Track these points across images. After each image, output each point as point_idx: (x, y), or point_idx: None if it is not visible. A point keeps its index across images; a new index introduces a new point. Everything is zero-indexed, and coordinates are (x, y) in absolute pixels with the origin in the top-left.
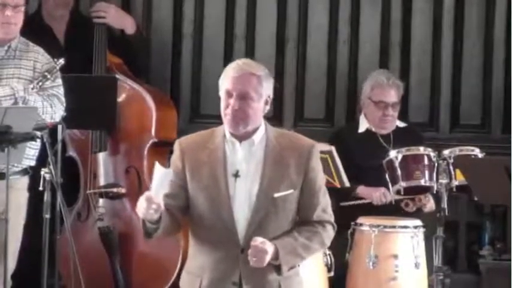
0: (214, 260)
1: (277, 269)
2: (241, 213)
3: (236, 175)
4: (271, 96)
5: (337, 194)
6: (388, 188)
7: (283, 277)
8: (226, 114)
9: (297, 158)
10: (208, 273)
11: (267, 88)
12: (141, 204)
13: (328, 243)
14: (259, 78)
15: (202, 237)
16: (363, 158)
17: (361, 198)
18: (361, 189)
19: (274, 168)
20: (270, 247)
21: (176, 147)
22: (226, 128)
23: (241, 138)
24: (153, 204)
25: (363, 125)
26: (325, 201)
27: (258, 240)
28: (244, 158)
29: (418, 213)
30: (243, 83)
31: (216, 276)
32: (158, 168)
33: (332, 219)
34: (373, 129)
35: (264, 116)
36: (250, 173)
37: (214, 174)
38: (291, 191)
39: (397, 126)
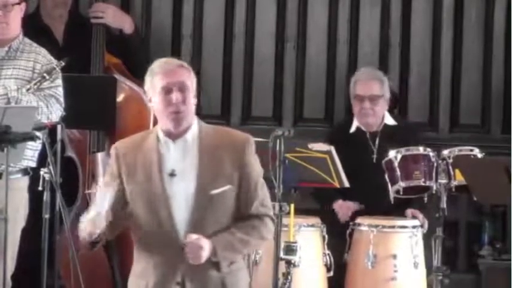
0: (156, 262)
1: (216, 265)
2: (180, 212)
3: (172, 174)
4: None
5: (320, 200)
6: (387, 188)
7: (227, 273)
8: (169, 112)
9: (231, 153)
10: (153, 275)
11: (194, 80)
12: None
13: (268, 236)
14: (188, 69)
15: (143, 240)
16: (350, 158)
17: None
18: (337, 205)
19: (210, 164)
20: (205, 243)
21: (112, 151)
22: (163, 126)
23: (175, 137)
24: (98, 229)
25: (354, 124)
26: (262, 194)
27: (193, 237)
28: (179, 156)
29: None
30: (178, 75)
31: (160, 278)
32: (99, 189)
33: (271, 212)
34: (363, 128)
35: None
36: (186, 172)
37: (150, 175)
38: (228, 186)
39: (385, 124)
